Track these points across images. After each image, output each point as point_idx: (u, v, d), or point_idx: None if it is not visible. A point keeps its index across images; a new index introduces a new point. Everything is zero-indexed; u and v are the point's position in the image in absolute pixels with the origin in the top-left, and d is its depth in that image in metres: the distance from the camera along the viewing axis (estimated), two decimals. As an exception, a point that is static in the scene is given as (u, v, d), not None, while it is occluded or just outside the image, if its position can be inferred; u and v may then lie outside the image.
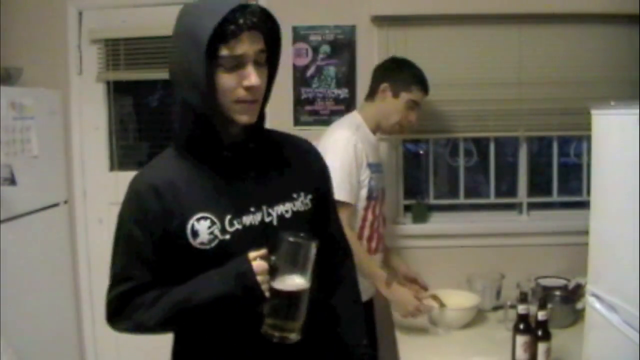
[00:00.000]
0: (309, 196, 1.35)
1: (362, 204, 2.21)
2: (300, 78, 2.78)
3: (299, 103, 2.79)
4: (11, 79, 2.62)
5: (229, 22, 1.14)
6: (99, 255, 2.81)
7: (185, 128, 1.27)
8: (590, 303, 1.55)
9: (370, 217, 2.25)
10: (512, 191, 2.96)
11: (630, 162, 1.33)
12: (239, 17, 1.15)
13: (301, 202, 1.33)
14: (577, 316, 2.15)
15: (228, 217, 1.23)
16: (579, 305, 2.16)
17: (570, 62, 2.71)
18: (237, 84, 1.19)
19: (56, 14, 2.83)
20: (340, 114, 2.62)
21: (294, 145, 1.43)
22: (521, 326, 1.84)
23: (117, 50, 2.86)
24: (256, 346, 1.22)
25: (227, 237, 1.22)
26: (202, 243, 1.21)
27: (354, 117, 2.31)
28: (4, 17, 2.73)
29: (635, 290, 1.30)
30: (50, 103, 2.75)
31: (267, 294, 1.16)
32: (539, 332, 1.81)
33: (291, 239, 1.15)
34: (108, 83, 2.92)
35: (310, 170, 1.41)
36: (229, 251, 1.21)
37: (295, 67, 2.77)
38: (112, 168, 2.97)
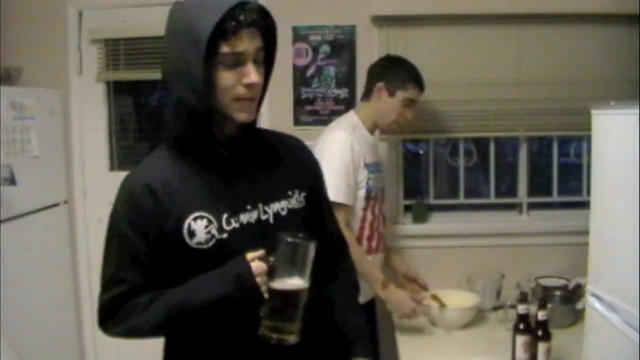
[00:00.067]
0: (303, 194, 1.34)
1: (360, 204, 2.21)
2: (300, 78, 2.78)
3: (299, 103, 2.79)
4: (11, 79, 2.62)
5: (230, 18, 1.13)
6: (99, 255, 2.79)
7: (179, 126, 1.24)
8: (590, 303, 1.55)
9: (369, 217, 2.25)
10: (512, 191, 2.96)
11: (630, 162, 1.33)
12: (239, 14, 1.14)
13: (296, 200, 1.32)
14: (577, 316, 2.15)
15: (225, 215, 1.21)
16: (579, 305, 2.16)
17: (570, 62, 2.71)
18: (236, 81, 1.18)
19: (56, 14, 2.83)
20: (340, 114, 2.62)
21: (286, 144, 1.42)
22: (521, 326, 1.84)
23: (117, 50, 2.86)
24: (253, 349, 1.20)
25: (225, 236, 1.21)
26: (199, 243, 1.20)
27: (350, 118, 2.31)
28: (4, 17, 2.73)
29: (635, 290, 1.30)
30: (50, 103, 2.75)
31: (266, 295, 1.14)
32: (539, 332, 1.81)
33: (289, 239, 1.14)
34: (108, 83, 2.92)
35: (303, 168, 1.40)
36: (226, 250, 1.20)
37: (295, 67, 2.77)
38: (112, 168, 2.97)
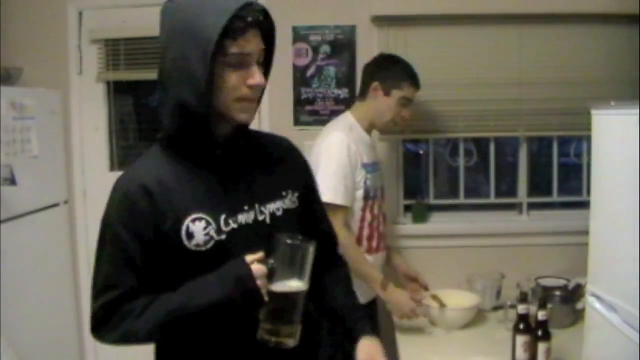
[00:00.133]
0: (296, 194, 1.34)
1: (359, 204, 2.21)
2: (300, 78, 2.78)
3: (299, 103, 2.79)
4: (11, 79, 2.63)
5: (237, 19, 1.12)
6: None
7: (175, 126, 1.21)
8: (590, 303, 1.55)
9: (368, 216, 2.25)
10: (512, 191, 2.96)
11: (630, 162, 1.33)
12: (247, 14, 1.13)
13: (290, 200, 1.32)
14: (577, 316, 2.15)
15: (223, 216, 1.20)
16: (579, 305, 2.16)
17: (570, 62, 2.70)
18: (241, 82, 1.17)
19: (56, 14, 2.83)
20: (340, 114, 2.62)
21: (277, 144, 1.41)
22: (521, 326, 1.84)
23: (117, 50, 2.86)
24: (251, 352, 1.19)
25: (223, 237, 1.19)
26: (197, 245, 1.17)
27: (346, 118, 2.30)
28: (4, 17, 2.73)
29: (635, 290, 1.30)
30: (50, 103, 2.75)
31: (265, 298, 1.13)
32: (539, 332, 1.81)
33: (289, 240, 1.14)
34: (108, 83, 2.92)
35: (295, 168, 1.40)
36: (225, 252, 1.18)
37: (295, 67, 2.77)
38: (112, 168, 2.97)
